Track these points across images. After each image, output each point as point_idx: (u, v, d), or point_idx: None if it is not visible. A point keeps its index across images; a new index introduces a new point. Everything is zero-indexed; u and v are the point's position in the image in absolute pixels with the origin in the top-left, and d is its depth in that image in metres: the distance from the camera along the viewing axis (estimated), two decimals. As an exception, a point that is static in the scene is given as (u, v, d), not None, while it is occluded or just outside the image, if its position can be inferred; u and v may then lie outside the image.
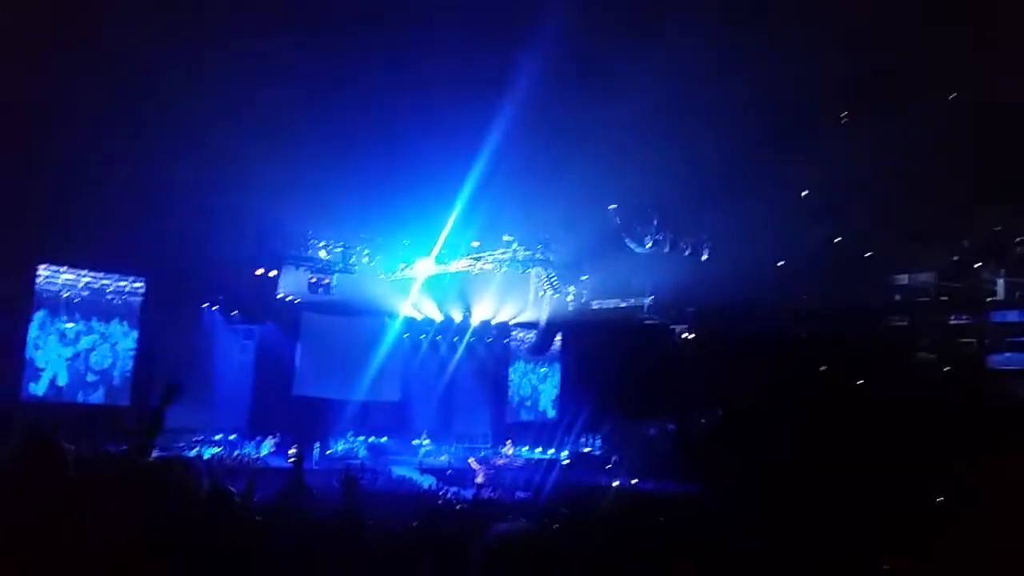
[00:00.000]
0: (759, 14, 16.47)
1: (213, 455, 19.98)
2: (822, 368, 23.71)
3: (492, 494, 17.54)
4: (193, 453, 19.64)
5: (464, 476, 21.25)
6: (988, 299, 21.45)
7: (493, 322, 28.37)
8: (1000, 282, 21.10)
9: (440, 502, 15.76)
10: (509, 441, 25.00)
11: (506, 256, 22.66)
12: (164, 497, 2.57)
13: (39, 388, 19.29)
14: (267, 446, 20.92)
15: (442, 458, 23.76)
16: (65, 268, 19.70)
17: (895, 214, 20.03)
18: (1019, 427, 17.65)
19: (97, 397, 20.04)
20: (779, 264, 22.84)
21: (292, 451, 19.01)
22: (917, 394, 20.13)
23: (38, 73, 14.77)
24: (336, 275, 22.74)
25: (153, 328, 20.83)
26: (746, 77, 16.81)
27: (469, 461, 22.46)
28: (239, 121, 16.42)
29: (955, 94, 17.05)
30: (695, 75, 16.95)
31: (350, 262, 22.78)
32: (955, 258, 20.88)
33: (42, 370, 19.41)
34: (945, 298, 21.56)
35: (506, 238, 22.39)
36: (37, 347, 19.32)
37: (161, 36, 15.11)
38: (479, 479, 20.63)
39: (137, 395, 20.39)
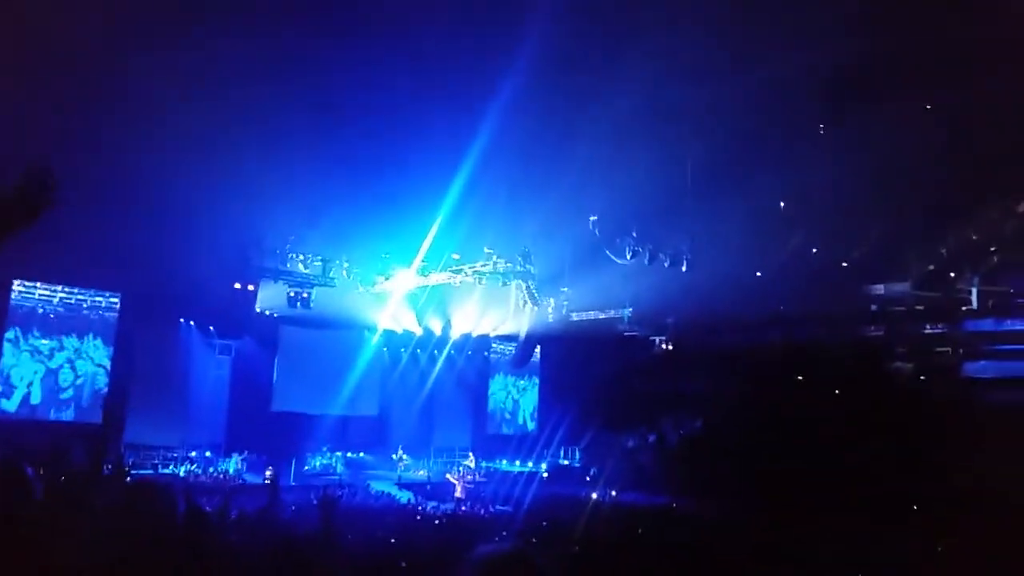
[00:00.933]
0: (734, 19, 16.59)
1: (188, 472, 19.70)
2: (799, 377, 23.89)
3: (471, 509, 17.39)
4: (168, 470, 19.39)
5: (444, 490, 21.09)
6: (963, 308, 21.68)
7: (473, 335, 28.31)
8: (974, 291, 21.34)
9: (419, 517, 15.61)
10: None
11: (486, 268, 22.59)
12: (137, 521, 2.49)
13: (10, 405, 18.95)
14: (234, 462, 20.64)
15: (421, 472, 23.61)
16: (39, 284, 19.41)
17: (871, 222, 20.22)
18: (994, 433, 17.81)
19: (69, 415, 19.69)
20: (757, 274, 23.00)
21: (268, 472, 18.89)
22: (893, 401, 20.30)
23: (9, 83, 14.54)
24: (315, 288, 22.59)
25: (128, 344, 20.55)
26: (722, 84, 16.95)
27: (447, 476, 22.31)
28: (217, 135, 16.30)
29: (931, 98, 17.24)
30: (672, 83, 17.06)
31: (329, 275, 22.64)
32: (930, 267, 21.09)
33: (15, 387, 19.09)
34: (920, 307, 21.75)
35: (487, 250, 22.35)
36: (10, 364, 19.00)
37: (136, 46, 14.95)
38: (458, 493, 20.49)
39: (109, 413, 20.09)
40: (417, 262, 22.60)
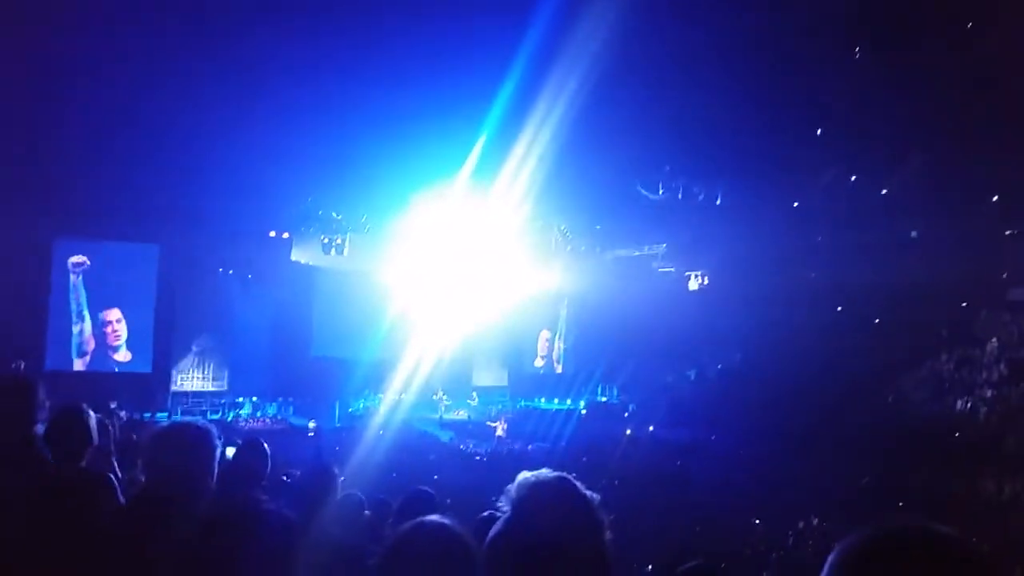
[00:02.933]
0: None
1: (236, 417, 20.27)
2: (839, 309, 23.66)
3: (510, 446, 17.71)
4: (216, 416, 19.95)
5: (483, 430, 21.45)
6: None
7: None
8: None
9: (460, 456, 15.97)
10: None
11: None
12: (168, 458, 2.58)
13: (66, 359, 19.55)
14: (278, 407, 21.19)
15: (461, 413, 23.97)
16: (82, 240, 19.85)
17: (912, 150, 19.66)
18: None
19: (118, 366, 20.29)
20: (794, 204, 22.61)
21: (311, 424, 19.46)
22: (933, 335, 20.08)
23: (47, 46, 14.64)
24: (348, 235, 22.74)
25: (170, 295, 21.03)
26: (756, 16, 16.43)
27: (487, 423, 22.58)
28: (245, 94, 16.36)
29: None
30: (700, 16, 16.56)
31: (361, 221, 22.73)
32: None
33: (67, 341, 19.69)
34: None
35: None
36: (61, 318, 19.57)
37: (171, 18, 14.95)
38: (500, 432, 20.86)
39: (156, 363, 20.68)
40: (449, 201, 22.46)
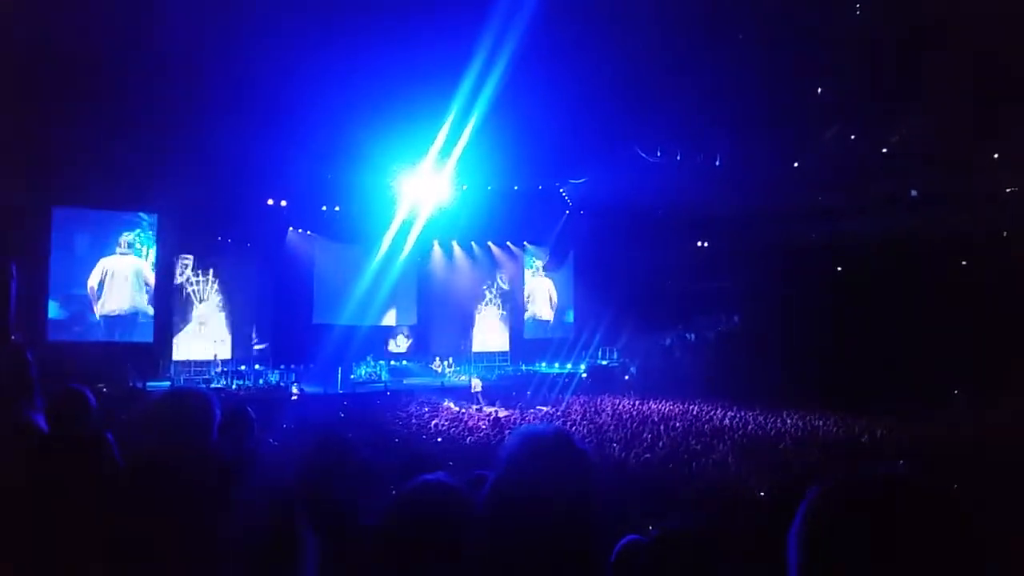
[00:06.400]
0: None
1: (240, 386, 20.38)
2: (839, 269, 23.67)
3: (512, 416, 17.81)
4: (220, 384, 20.06)
5: (488, 391, 21.61)
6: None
7: (507, 244, 28.49)
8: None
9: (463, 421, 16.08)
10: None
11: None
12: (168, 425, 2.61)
13: (63, 330, 19.61)
14: (280, 374, 21.33)
15: (463, 378, 24.12)
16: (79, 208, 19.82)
17: (911, 108, 19.51)
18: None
19: (120, 335, 20.37)
20: (794, 164, 22.51)
21: (295, 388, 19.64)
22: (937, 294, 20.07)
23: (51, 16, 14.48)
24: (345, 203, 22.79)
25: (171, 264, 21.06)
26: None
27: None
28: (242, 66, 16.22)
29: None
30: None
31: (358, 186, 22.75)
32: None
33: (65, 312, 19.75)
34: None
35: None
36: (59, 289, 19.61)
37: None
38: (476, 388, 21.45)
39: (158, 332, 20.77)
40: (451, 168, 22.43)
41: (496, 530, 1.50)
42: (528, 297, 29.17)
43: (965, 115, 18.36)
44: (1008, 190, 21.02)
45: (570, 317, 29.65)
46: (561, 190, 27.20)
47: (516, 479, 1.49)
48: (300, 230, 23.97)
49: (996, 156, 20.15)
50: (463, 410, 17.96)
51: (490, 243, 28.32)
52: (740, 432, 14.06)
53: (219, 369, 20.99)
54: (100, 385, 14.63)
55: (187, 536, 2.22)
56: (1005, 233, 21.12)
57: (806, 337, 21.46)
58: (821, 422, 15.54)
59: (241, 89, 17.23)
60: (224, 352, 21.79)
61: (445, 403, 19.13)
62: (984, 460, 9.38)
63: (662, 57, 18.52)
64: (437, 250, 27.31)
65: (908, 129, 20.26)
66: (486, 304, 28.35)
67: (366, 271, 23.68)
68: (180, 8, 14.88)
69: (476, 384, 21.84)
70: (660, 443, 12.25)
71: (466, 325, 27.61)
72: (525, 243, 28.95)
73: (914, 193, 21.36)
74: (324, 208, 23.91)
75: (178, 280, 21.41)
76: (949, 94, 17.89)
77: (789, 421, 15.68)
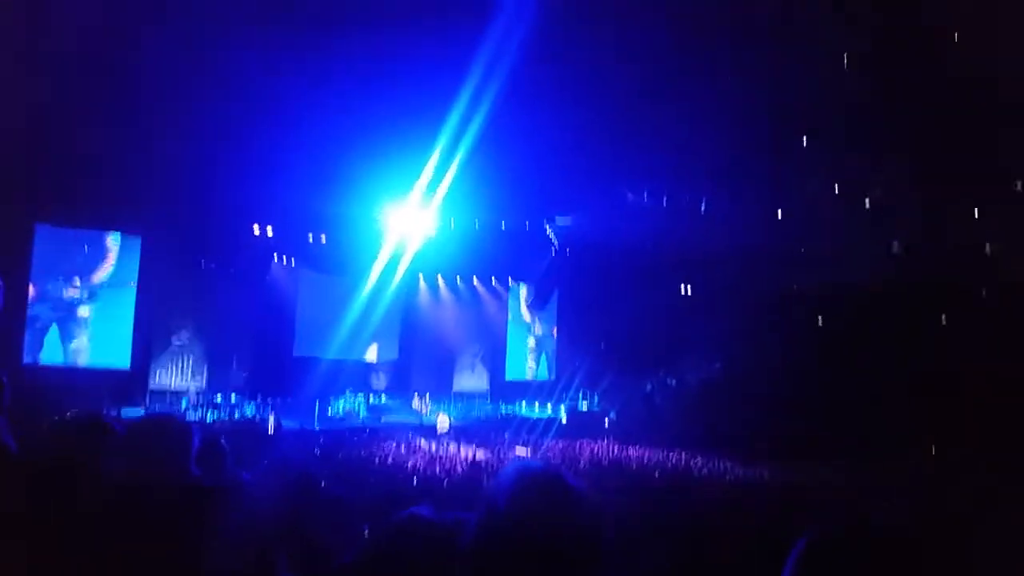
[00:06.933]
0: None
1: (216, 418, 20.09)
2: (819, 319, 23.78)
3: (488, 455, 17.62)
4: (196, 415, 19.76)
5: (466, 432, 21.40)
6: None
7: (492, 282, 28.51)
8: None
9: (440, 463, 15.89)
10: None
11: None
12: (143, 454, 2.53)
13: (42, 354, 19.31)
14: (256, 407, 21.03)
15: (441, 416, 23.90)
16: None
17: (893, 157, 19.82)
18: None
19: (96, 361, 20.07)
20: (777, 212, 22.74)
21: (271, 419, 19.38)
22: (917, 343, 20.20)
23: (30, 29, 14.47)
24: (331, 233, 22.77)
25: (152, 289, 20.84)
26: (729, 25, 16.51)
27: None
28: (231, 91, 16.27)
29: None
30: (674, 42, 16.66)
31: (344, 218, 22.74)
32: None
33: (43, 335, 19.46)
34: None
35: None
36: (38, 311, 19.34)
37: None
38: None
39: (136, 358, 20.48)
40: (437, 203, 22.49)
41: (484, 568, 1.45)
42: (510, 337, 29.10)
43: (947, 167, 18.67)
44: (987, 245, 21.30)
45: (551, 361, 29.57)
46: (548, 229, 27.27)
47: (508, 514, 1.44)
48: (285, 259, 23.88)
49: (976, 210, 20.44)
50: (441, 450, 17.76)
51: (475, 279, 28.32)
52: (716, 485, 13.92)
53: (194, 400, 20.69)
54: (74, 410, 14.34)
55: (165, 565, 2.16)
56: (984, 291, 21.36)
57: (787, 386, 21.47)
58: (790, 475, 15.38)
59: (231, 115, 17.26)
60: (201, 382, 21.52)
61: (421, 442, 18.93)
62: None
63: (650, 101, 18.76)
64: (422, 284, 27.28)
65: (890, 181, 20.56)
66: (467, 342, 28.26)
67: (350, 304, 23.56)
68: (169, 32, 14.96)
69: (443, 423, 21.55)
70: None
71: (447, 363, 27.48)
72: (510, 280, 28.98)
73: (895, 244, 21.60)
74: (310, 238, 23.85)
75: (158, 306, 21.17)
76: (931, 146, 18.21)
77: (766, 473, 15.58)
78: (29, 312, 19.22)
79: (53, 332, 19.61)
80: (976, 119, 17.20)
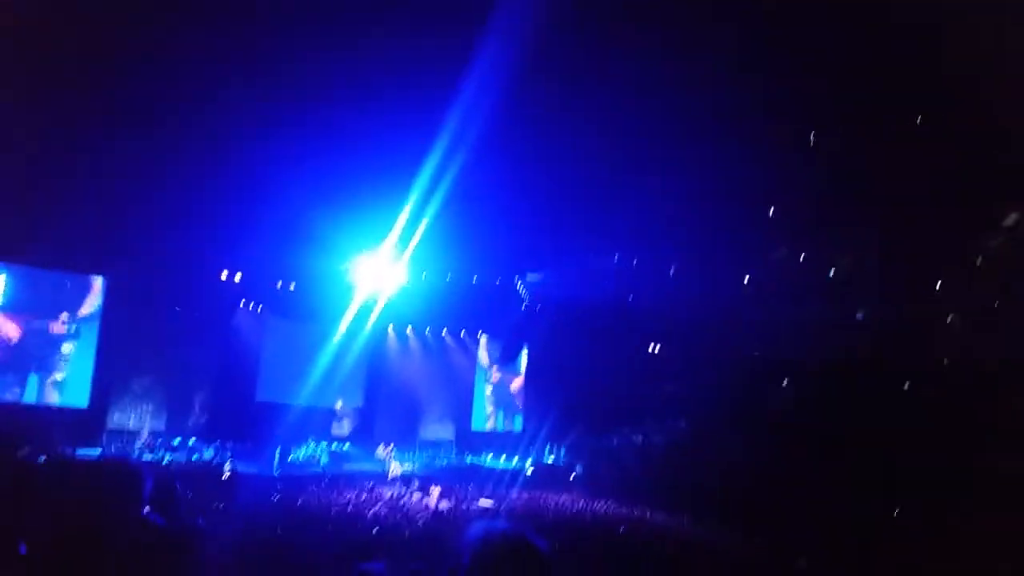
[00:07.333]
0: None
1: (172, 460, 19.65)
2: (784, 385, 24.01)
3: (451, 504, 17.41)
4: (151, 457, 19.32)
5: (430, 481, 21.12)
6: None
7: (462, 335, 28.50)
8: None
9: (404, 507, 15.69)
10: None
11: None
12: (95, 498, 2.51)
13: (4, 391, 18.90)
14: (215, 451, 20.59)
15: (406, 466, 23.61)
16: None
17: (860, 230, 20.27)
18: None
19: (55, 400, 19.63)
20: (745, 279, 23.09)
21: (227, 466, 18.97)
22: (888, 407, 20.43)
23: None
24: (299, 280, 22.69)
25: (114, 329, 20.50)
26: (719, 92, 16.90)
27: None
28: (201, 124, 16.27)
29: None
30: (660, 93, 17.01)
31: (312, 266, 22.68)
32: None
33: (10, 372, 19.05)
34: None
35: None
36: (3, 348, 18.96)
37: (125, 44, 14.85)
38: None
39: (94, 398, 20.06)
40: (407, 256, 22.57)
41: None
42: (476, 390, 29.00)
43: (916, 241, 19.12)
44: (948, 318, 21.74)
45: (518, 415, 29.47)
46: (519, 284, 27.43)
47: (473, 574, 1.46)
48: (251, 305, 23.70)
49: (939, 284, 20.91)
50: (402, 499, 17.51)
51: (444, 332, 28.30)
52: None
53: (151, 442, 20.23)
54: (26, 448, 14.01)
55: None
56: (945, 361, 21.73)
57: (748, 451, 21.52)
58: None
59: (206, 161, 17.26)
60: (160, 423, 21.09)
61: (384, 491, 18.67)
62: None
63: (626, 165, 19.10)
64: (391, 335, 27.17)
65: (859, 252, 21.00)
66: (434, 393, 28.09)
67: (315, 351, 23.36)
68: (147, 80, 15.01)
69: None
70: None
71: (413, 412, 27.26)
72: (479, 335, 28.99)
73: (860, 316, 21.98)
74: (279, 285, 23.74)
75: (119, 346, 20.81)
76: (902, 219, 18.66)
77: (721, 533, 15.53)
78: (12, 349, 18.88)
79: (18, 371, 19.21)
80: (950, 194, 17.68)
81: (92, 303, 20.30)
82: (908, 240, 19.41)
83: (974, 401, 19.27)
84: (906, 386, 22.08)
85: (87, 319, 20.20)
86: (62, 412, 19.30)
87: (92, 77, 15.01)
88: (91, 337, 20.21)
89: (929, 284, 20.94)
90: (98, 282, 20.37)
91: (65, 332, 19.93)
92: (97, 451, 18.34)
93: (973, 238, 19.23)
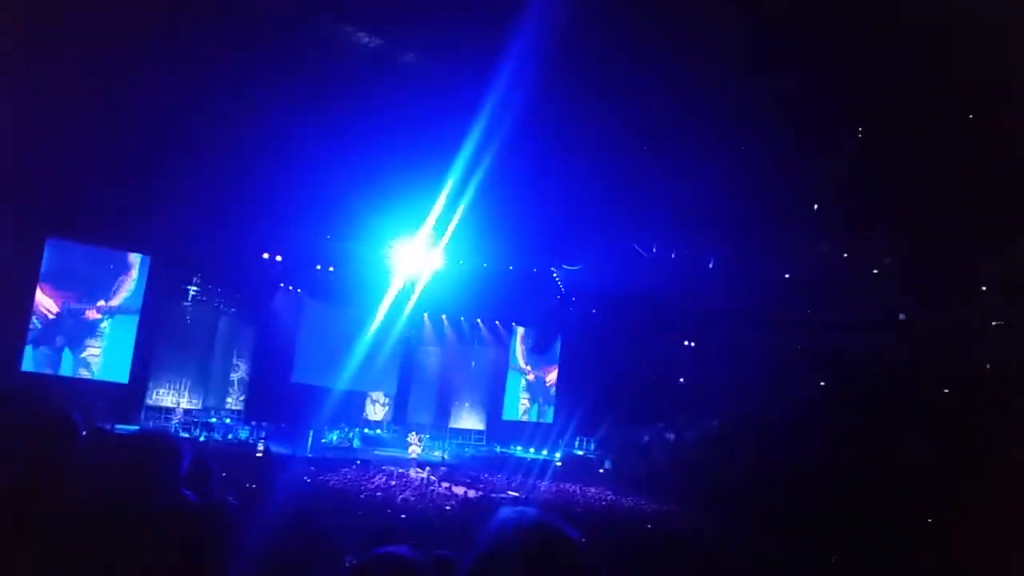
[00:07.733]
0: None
1: (208, 437, 19.98)
2: (822, 384, 23.64)
3: (485, 493, 17.46)
4: (188, 434, 19.65)
5: (457, 470, 21.21)
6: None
7: (496, 324, 28.51)
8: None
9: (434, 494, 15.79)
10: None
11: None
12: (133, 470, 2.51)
13: (41, 363, 19.30)
14: (251, 431, 20.86)
15: (436, 453, 23.75)
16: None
17: (902, 231, 19.88)
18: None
19: (97, 374, 20.03)
20: (786, 276, 22.78)
21: (260, 446, 19.18)
22: (914, 403, 20.06)
23: (48, 49, 14.68)
24: (339, 265, 22.87)
25: (155, 307, 20.85)
26: (753, 87, 16.66)
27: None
28: (252, 113, 16.49)
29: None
30: (694, 85, 16.79)
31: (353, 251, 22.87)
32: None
33: (45, 344, 19.47)
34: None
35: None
36: (44, 324, 19.37)
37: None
38: (414, 449, 20.86)
39: (135, 374, 20.42)
40: (444, 242, 22.60)
41: None
42: (508, 380, 29.00)
43: (958, 245, 18.72)
44: (994, 323, 21.25)
45: (550, 407, 29.43)
46: (555, 275, 27.38)
47: (504, 561, 1.42)
48: (291, 287, 23.96)
49: (984, 289, 20.45)
50: (432, 486, 17.59)
51: (479, 320, 28.33)
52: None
53: (183, 418, 20.57)
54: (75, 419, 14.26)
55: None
56: (988, 365, 21.25)
57: (782, 449, 21.24)
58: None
59: (250, 149, 17.49)
60: (198, 402, 21.44)
61: (413, 473, 18.80)
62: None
63: (664, 158, 18.95)
64: (427, 322, 27.28)
65: (901, 252, 20.62)
66: (467, 381, 28.15)
67: (352, 335, 23.52)
68: (186, 65, 15.20)
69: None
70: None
71: (446, 400, 27.38)
72: (514, 324, 28.96)
73: (902, 317, 21.57)
74: (318, 268, 23.97)
75: (160, 324, 21.16)
76: (946, 221, 18.30)
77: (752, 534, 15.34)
78: (50, 323, 19.28)
79: (58, 342, 19.63)
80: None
81: (134, 281, 20.62)
82: (948, 243, 19.00)
83: (1014, 404, 18.81)
84: (946, 389, 21.65)
85: (129, 297, 20.53)
86: (104, 386, 19.68)
87: (156, 63, 15.27)
88: (133, 314, 20.55)
89: (972, 286, 20.50)
90: (140, 260, 20.68)
91: (107, 308, 20.28)
92: (135, 428, 18.71)
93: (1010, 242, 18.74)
